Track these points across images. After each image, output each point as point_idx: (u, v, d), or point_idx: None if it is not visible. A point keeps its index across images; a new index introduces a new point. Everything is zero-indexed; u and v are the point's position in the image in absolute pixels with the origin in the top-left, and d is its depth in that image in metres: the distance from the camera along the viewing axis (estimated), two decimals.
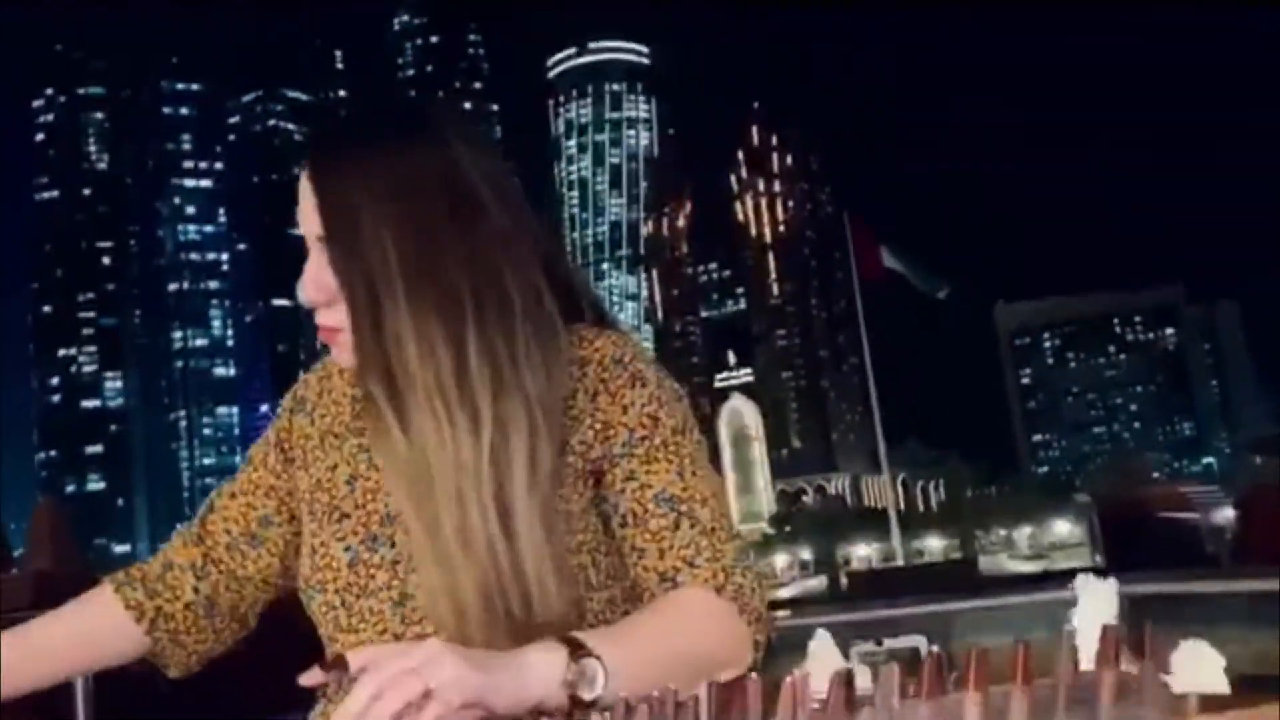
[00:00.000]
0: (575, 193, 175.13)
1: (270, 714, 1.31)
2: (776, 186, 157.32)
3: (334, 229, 1.22)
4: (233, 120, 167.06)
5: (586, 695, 1.04)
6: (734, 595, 1.21)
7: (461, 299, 1.19)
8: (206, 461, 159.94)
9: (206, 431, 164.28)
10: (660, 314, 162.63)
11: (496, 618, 1.15)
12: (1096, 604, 0.94)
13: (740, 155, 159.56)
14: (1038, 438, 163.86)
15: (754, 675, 0.87)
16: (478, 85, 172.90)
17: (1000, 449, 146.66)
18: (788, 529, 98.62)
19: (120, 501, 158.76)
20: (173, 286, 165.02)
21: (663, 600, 1.22)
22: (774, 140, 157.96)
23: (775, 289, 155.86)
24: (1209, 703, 0.77)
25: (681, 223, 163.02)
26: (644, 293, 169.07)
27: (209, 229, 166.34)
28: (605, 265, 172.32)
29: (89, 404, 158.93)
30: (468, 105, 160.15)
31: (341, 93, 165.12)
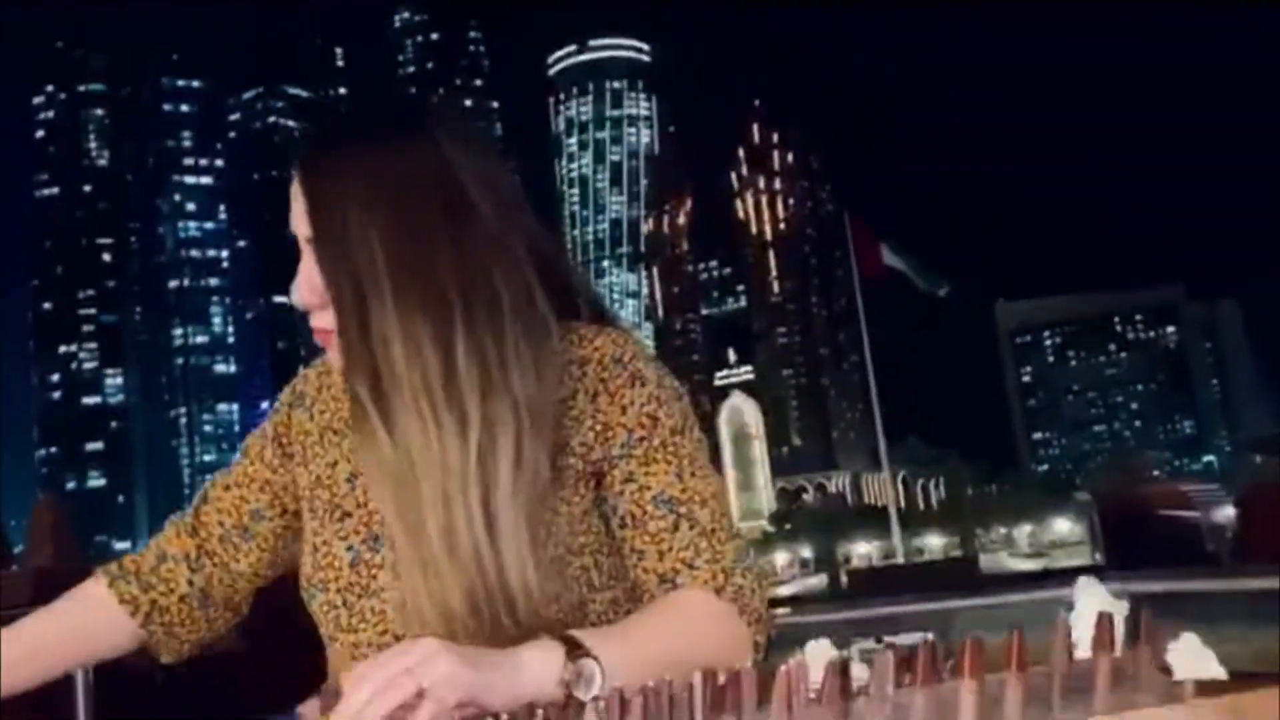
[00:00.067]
0: (576, 190, 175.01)
1: (270, 710, 1.37)
2: (777, 184, 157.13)
3: (321, 230, 1.22)
4: (233, 117, 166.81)
5: (583, 695, 1.03)
6: (734, 596, 1.21)
7: (450, 299, 1.18)
8: (207, 458, 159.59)
9: (207, 428, 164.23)
10: (661, 311, 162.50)
11: (483, 623, 1.14)
12: (1098, 602, 0.91)
13: (741, 153, 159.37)
14: (1038, 436, 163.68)
15: (749, 665, 0.87)
16: (478, 83, 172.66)
17: (1001, 447, 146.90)
18: (788, 527, 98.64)
19: (120, 498, 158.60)
20: (173, 283, 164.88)
21: (662, 601, 1.22)
22: (775, 138, 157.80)
23: (776, 287, 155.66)
24: (1205, 689, 0.77)
25: (682, 220, 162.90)
26: (644, 290, 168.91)
27: (209, 226, 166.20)
28: (606, 263, 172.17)
29: (89, 401, 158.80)
30: (468, 103, 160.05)
31: (342, 90, 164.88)
